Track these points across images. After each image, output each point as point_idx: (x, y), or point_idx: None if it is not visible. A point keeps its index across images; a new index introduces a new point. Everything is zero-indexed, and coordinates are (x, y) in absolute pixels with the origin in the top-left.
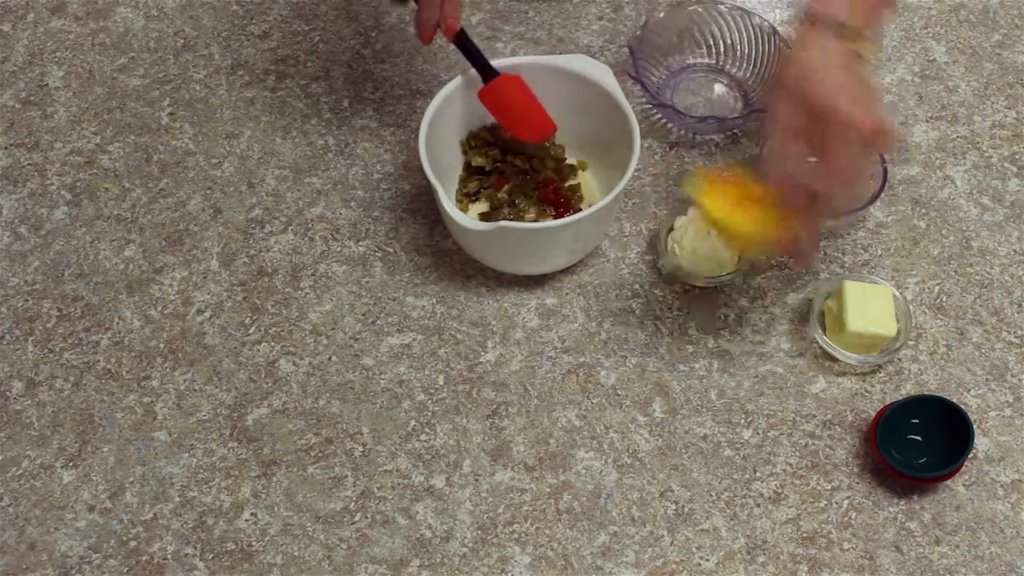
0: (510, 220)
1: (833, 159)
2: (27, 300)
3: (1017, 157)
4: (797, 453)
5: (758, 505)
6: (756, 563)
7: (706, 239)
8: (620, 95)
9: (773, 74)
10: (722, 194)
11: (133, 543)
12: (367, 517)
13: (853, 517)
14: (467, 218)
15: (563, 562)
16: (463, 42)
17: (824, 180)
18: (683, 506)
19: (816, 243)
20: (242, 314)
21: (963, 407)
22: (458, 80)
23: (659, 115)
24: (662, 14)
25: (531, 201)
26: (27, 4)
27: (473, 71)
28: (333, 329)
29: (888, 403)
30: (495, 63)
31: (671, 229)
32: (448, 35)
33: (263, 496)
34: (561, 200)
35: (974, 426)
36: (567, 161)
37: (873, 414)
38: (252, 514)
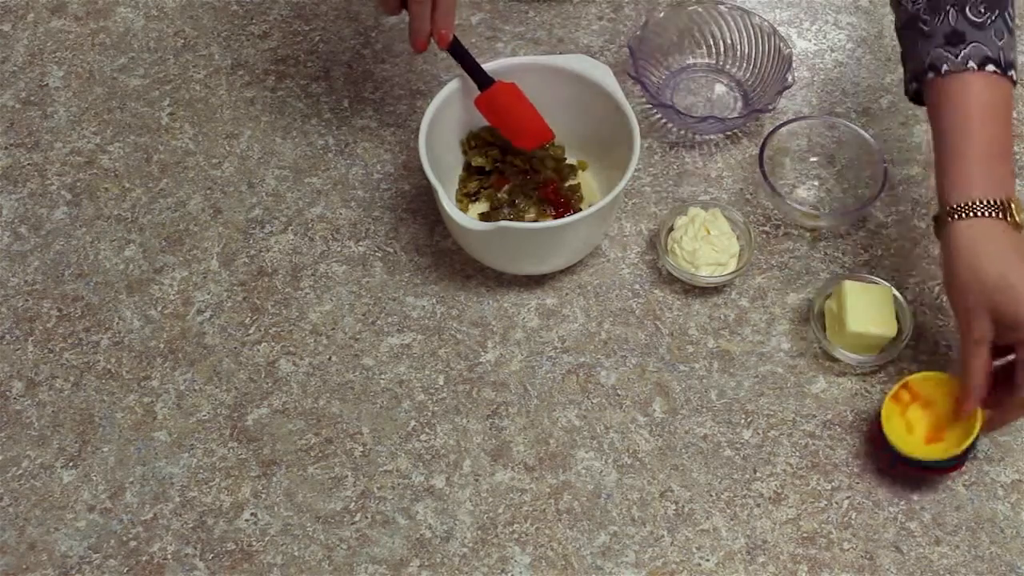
0: (510, 220)
1: None
2: (27, 300)
3: (1017, 157)
4: (797, 453)
5: (758, 505)
6: (756, 563)
7: (706, 239)
8: (620, 95)
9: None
10: (912, 423)
11: (133, 543)
12: (367, 517)
13: (853, 517)
14: (467, 218)
15: (563, 562)
16: (457, 51)
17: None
18: (683, 506)
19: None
20: (242, 314)
21: None
22: (458, 80)
23: (659, 115)
24: (662, 14)
25: (531, 201)
26: (27, 4)
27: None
28: (333, 329)
29: None
30: (495, 63)
31: (671, 229)
32: (441, 45)
33: (263, 496)
34: (561, 200)
35: None
36: (567, 161)
37: (873, 414)
38: (252, 514)
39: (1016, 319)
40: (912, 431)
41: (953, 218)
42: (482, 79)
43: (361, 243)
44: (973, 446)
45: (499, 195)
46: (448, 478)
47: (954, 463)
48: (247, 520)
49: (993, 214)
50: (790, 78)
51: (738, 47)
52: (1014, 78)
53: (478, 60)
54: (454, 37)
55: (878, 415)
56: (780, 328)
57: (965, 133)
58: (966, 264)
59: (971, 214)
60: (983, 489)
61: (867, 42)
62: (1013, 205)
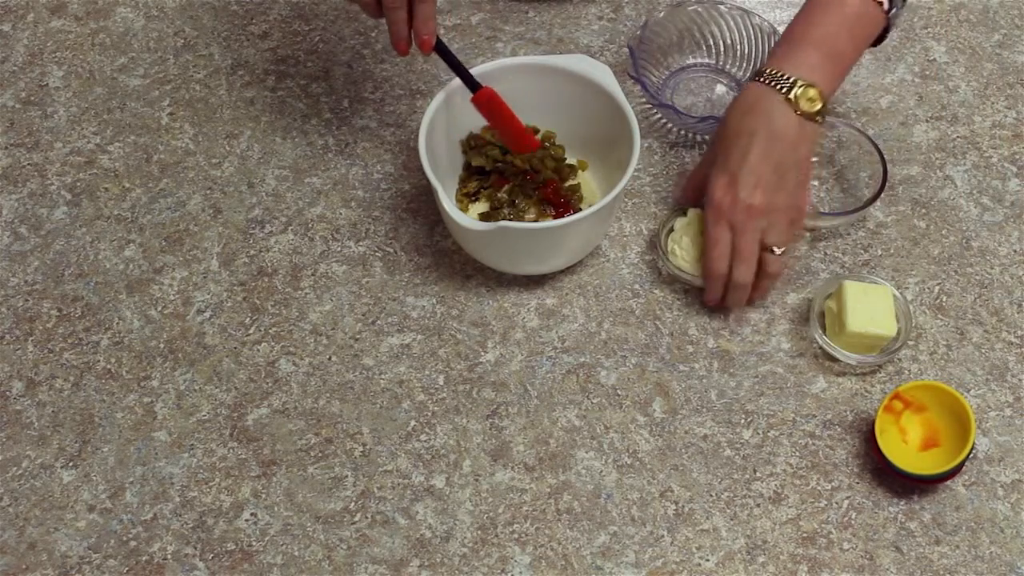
0: (510, 220)
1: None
2: (27, 300)
3: (1017, 157)
4: (797, 453)
5: (758, 505)
6: (756, 563)
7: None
8: (620, 95)
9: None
10: (907, 429)
11: (133, 543)
12: (367, 517)
13: (853, 517)
14: (467, 218)
15: (563, 562)
16: (443, 55)
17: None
18: (683, 506)
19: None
20: (242, 314)
21: None
22: (458, 80)
23: (659, 115)
24: (662, 14)
25: (531, 201)
26: (27, 4)
27: (470, 72)
28: (333, 329)
29: None
30: (495, 63)
31: (671, 229)
32: (423, 50)
33: (263, 496)
34: (561, 200)
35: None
36: (567, 161)
37: (873, 414)
38: (252, 514)
39: (714, 149)
40: (908, 438)
41: (753, 79)
42: (470, 83)
43: (361, 243)
44: (971, 452)
45: (499, 195)
46: (448, 478)
47: (950, 474)
48: (247, 520)
49: (783, 89)
50: None
51: (738, 47)
52: (888, 13)
53: (477, 60)
54: (438, 40)
55: (873, 425)
56: (780, 328)
57: (810, 25)
58: (729, 110)
59: (765, 80)
60: (983, 489)
61: None
62: (809, 92)
